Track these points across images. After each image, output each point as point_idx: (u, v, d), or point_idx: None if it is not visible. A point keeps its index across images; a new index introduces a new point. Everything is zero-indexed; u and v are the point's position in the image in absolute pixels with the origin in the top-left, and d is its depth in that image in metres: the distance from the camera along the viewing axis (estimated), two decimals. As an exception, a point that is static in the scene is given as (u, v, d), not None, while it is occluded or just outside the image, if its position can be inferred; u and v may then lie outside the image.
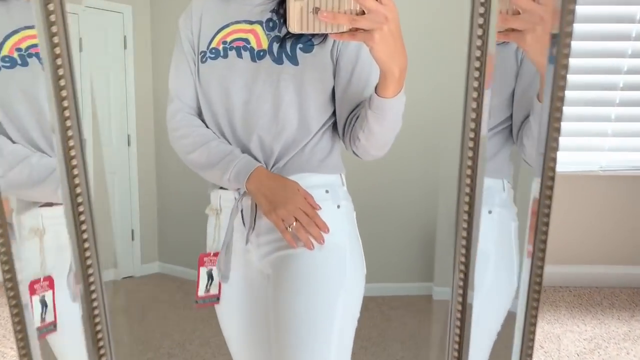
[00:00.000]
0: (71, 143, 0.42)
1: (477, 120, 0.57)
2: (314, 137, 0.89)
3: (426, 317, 2.28)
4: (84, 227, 0.44)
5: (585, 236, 2.03)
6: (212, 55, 0.87)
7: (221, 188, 0.92)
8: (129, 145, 2.70)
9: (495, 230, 0.86)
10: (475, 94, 0.57)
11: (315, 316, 0.81)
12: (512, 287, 0.90)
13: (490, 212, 0.85)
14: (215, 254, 0.90)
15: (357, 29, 0.67)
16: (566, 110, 1.70)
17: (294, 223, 0.81)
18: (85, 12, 2.55)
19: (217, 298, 0.89)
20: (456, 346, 0.71)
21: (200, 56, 0.89)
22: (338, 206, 0.89)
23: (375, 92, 0.77)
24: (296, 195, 0.82)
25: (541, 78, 0.70)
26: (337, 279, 0.84)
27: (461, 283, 0.68)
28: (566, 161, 1.86)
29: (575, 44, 1.70)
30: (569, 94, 1.75)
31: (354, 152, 0.88)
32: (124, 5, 2.60)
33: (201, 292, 0.85)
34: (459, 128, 0.60)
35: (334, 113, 0.90)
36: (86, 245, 0.45)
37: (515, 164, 0.91)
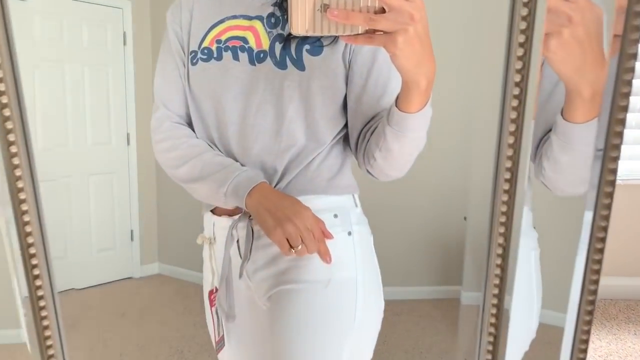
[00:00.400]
0: (13, 149, 0.34)
1: (519, 109, 0.46)
2: (321, 152, 0.75)
3: (430, 323, 2.22)
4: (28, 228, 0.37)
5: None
6: (204, 57, 0.74)
7: (214, 214, 0.79)
8: (128, 144, 2.62)
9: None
10: (516, 91, 0.47)
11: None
12: (531, 329, 0.78)
13: None
14: (212, 291, 0.77)
15: (375, 31, 0.54)
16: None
17: (300, 246, 0.66)
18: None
19: (223, 342, 0.76)
20: (490, 348, 0.63)
21: (190, 56, 0.75)
22: (349, 233, 0.74)
23: (396, 105, 0.63)
24: (307, 211, 0.68)
25: (567, 93, 0.56)
26: (345, 319, 0.72)
27: (496, 290, 0.60)
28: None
29: None
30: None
31: (368, 171, 0.74)
32: (123, 1, 2.53)
33: (216, 336, 0.74)
34: (494, 123, 0.51)
35: (345, 125, 0.77)
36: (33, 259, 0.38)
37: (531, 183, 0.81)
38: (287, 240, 0.66)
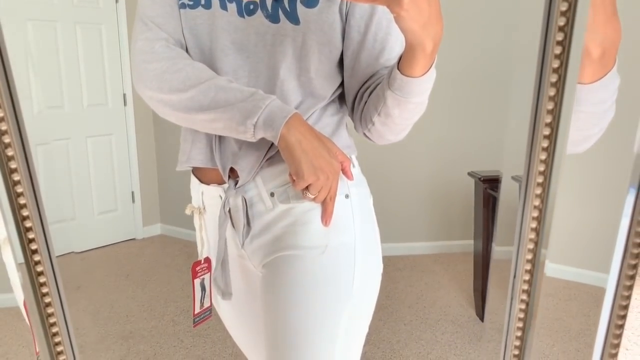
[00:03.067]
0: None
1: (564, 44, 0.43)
2: (314, 112, 0.69)
3: (433, 279, 2.24)
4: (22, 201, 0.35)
5: None
6: (190, 3, 0.67)
7: (202, 182, 0.73)
8: (125, 104, 2.57)
9: None
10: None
11: (314, 328, 0.68)
12: None
13: None
14: (206, 260, 0.73)
15: None
16: None
17: (315, 195, 0.64)
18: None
19: (209, 311, 0.74)
20: (523, 307, 0.61)
21: (179, 3, 0.68)
22: (346, 196, 0.69)
23: (398, 69, 0.58)
24: (338, 166, 0.64)
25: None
26: (343, 285, 0.69)
27: (532, 245, 0.58)
28: None
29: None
30: None
31: (365, 135, 0.70)
32: (113, -46, 2.43)
33: (197, 308, 0.72)
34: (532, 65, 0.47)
35: (341, 84, 0.71)
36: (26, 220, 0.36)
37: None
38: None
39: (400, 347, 1.38)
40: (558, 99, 0.35)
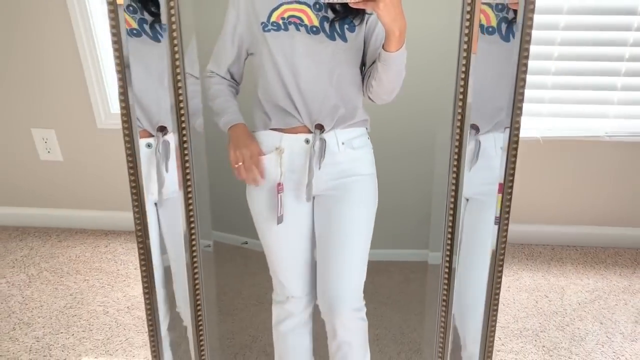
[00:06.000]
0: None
1: (465, 81, 0.76)
2: (354, 93, 1.12)
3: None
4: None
5: (594, 198, 2.19)
6: (274, 28, 1.03)
7: (284, 132, 1.13)
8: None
9: None
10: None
11: (368, 226, 1.17)
12: None
13: None
14: (281, 184, 1.14)
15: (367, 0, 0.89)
16: (575, 79, 1.83)
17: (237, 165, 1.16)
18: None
19: (282, 218, 1.16)
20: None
21: (261, 25, 1.04)
22: (370, 147, 1.18)
23: (383, 48, 0.98)
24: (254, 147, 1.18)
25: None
26: (375, 199, 1.17)
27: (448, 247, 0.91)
28: (574, 127, 2.02)
29: (582, 19, 1.84)
30: (577, 64, 1.88)
31: (369, 97, 1.09)
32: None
33: (279, 213, 1.14)
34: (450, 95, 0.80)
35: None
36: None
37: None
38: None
39: (409, 331, 1.61)
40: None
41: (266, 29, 1.05)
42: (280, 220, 1.15)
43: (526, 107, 1.91)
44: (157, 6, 0.92)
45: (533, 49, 1.80)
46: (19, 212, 2.44)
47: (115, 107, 2.14)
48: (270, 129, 1.13)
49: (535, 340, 1.76)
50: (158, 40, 0.95)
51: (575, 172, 2.12)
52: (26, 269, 2.16)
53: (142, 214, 1.00)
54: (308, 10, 1.02)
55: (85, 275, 2.12)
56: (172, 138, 1.01)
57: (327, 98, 1.08)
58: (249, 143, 1.11)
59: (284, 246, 1.21)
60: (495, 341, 1.74)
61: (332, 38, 1.04)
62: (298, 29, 1.03)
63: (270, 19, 1.04)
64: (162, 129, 1.01)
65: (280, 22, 1.03)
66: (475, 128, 0.95)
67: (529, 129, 2.00)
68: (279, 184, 1.13)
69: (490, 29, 0.90)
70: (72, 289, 2.04)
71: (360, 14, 1.03)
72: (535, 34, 1.76)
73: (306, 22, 1.03)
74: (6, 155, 2.31)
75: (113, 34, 0.85)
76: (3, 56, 2.08)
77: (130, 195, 1.02)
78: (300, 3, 1.03)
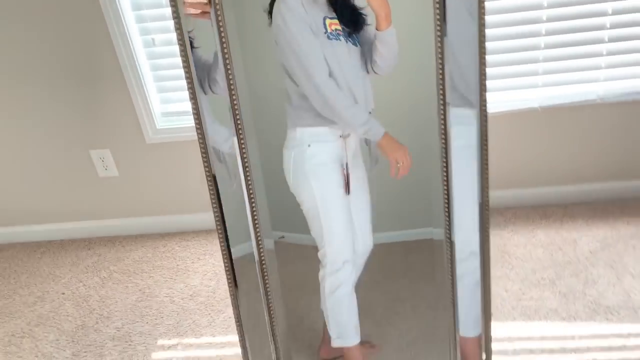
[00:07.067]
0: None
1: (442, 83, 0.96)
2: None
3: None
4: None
5: (595, 156, 2.38)
6: (332, 36, 1.24)
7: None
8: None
9: None
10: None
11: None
12: None
13: None
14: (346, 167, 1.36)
15: None
16: (564, 51, 2.05)
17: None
18: None
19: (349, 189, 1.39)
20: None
21: (325, 34, 1.24)
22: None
23: (376, 29, 1.22)
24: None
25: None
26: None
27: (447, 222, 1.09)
28: (569, 94, 2.22)
29: None
30: (564, 37, 2.08)
31: (375, 72, 1.30)
32: None
33: (346, 187, 1.38)
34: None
35: None
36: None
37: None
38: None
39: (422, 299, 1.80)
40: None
41: (330, 37, 1.26)
42: (349, 191, 1.38)
43: (522, 80, 2.17)
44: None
45: (523, 27, 2.05)
46: (84, 225, 2.76)
47: (160, 123, 2.44)
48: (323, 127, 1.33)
49: (552, 287, 1.96)
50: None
51: (575, 134, 2.31)
52: (98, 272, 2.46)
53: (221, 215, 1.20)
54: (338, 22, 1.26)
55: (150, 272, 2.41)
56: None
57: (368, 92, 1.31)
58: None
59: (346, 215, 1.42)
60: (516, 291, 1.97)
61: (356, 45, 1.29)
62: (345, 39, 1.27)
63: (327, 30, 1.25)
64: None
65: (334, 32, 1.24)
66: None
67: (527, 100, 2.21)
68: (347, 164, 1.36)
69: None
70: (140, 285, 2.33)
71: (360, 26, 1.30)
72: (524, 14, 2.01)
73: (343, 32, 1.27)
74: (69, 175, 2.63)
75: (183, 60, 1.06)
76: (62, 90, 2.40)
77: (210, 196, 1.20)
78: (332, 18, 1.26)
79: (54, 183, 2.64)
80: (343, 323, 1.53)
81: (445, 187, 1.11)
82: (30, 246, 2.77)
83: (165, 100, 2.44)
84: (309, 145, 1.33)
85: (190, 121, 2.42)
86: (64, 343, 2.02)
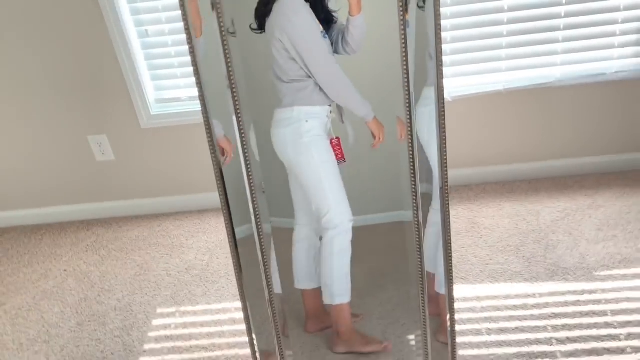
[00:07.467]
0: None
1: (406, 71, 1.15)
2: None
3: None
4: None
5: (556, 135, 2.59)
6: (322, 34, 1.40)
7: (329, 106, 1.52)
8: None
9: None
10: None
11: None
12: None
13: None
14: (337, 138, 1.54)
15: None
16: (524, 38, 2.27)
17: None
18: None
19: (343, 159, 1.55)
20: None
21: (322, 33, 1.40)
22: None
23: (349, 15, 1.35)
24: None
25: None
26: None
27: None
28: (529, 77, 2.42)
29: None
30: (524, 25, 2.29)
31: (346, 52, 1.43)
32: None
33: (339, 156, 1.55)
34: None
35: None
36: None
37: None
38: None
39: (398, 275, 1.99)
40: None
41: (325, 36, 1.45)
42: (340, 161, 1.56)
43: (487, 65, 2.37)
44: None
45: (485, 17, 2.25)
46: (83, 207, 2.90)
47: (154, 109, 2.60)
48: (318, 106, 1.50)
49: (517, 253, 2.17)
50: None
51: (537, 114, 2.52)
52: (97, 251, 2.61)
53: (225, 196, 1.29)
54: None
55: (147, 250, 2.57)
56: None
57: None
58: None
59: (341, 179, 1.58)
60: (484, 257, 2.17)
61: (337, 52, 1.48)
62: (325, 36, 1.46)
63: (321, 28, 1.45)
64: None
65: (324, 34, 1.44)
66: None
67: (493, 83, 2.42)
68: (332, 140, 1.56)
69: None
70: (138, 261, 2.49)
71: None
72: (487, 4, 2.21)
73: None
74: (68, 160, 2.77)
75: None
76: (61, 79, 2.55)
77: (215, 179, 1.29)
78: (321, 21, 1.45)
79: (54, 168, 2.79)
80: (344, 278, 1.68)
81: (412, 170, 1.27)
82: (31, 229, 2.91)
83: (159, 88, 2.60)
84: (306, 121, 1.51)
85: (182, 107, 2.59)
86: (69, 314, 2.17)
